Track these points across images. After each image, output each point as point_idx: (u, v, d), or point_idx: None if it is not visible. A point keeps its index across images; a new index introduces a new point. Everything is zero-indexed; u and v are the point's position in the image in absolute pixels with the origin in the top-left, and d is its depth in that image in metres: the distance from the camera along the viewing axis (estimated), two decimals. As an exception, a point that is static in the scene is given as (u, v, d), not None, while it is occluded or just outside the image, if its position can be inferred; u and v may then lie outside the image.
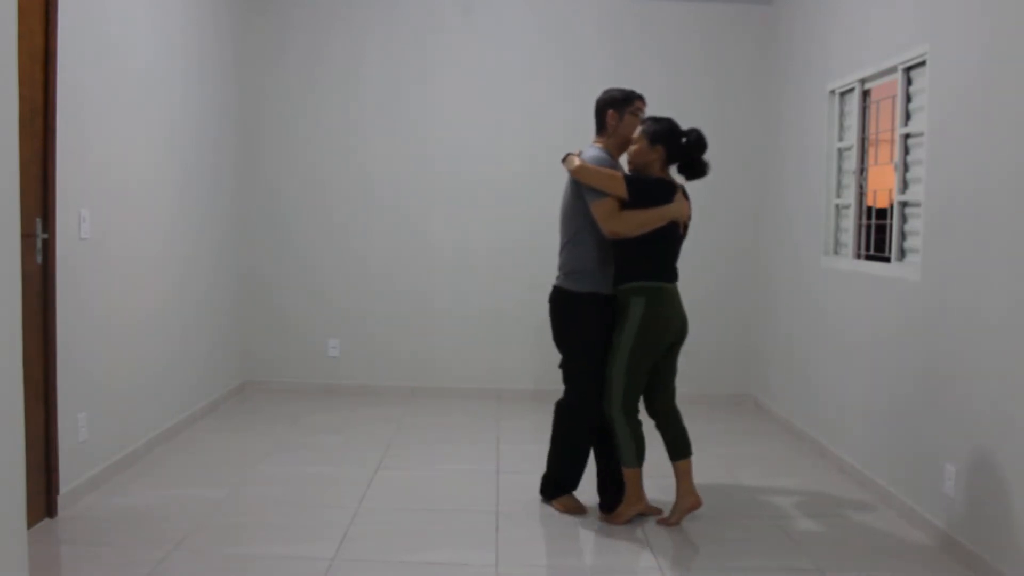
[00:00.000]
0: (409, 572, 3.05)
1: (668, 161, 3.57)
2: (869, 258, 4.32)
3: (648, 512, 3.60)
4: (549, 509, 3.71)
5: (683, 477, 3.57)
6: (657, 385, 3.63)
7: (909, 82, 3.88)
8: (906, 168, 3.90)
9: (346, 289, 5.86)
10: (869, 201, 4.40)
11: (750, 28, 5.78)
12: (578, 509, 3.67)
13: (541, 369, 5.51)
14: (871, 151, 4.39)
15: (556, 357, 3.75)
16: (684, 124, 5.78)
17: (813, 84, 4.95)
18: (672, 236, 3.53)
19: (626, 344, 3.49)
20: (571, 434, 3.70)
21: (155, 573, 2.95)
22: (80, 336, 3.61)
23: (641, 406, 3.64)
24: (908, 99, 3.89)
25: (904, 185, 3.91)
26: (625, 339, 3.49)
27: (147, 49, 4.27)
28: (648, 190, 3.48)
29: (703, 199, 5.74)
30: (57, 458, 3.43)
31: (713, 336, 5.89)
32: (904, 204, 3.91)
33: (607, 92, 3.74)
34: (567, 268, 3.64)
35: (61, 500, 3.45)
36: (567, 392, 3.71)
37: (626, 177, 3.49)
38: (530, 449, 4.30)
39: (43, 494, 3.35)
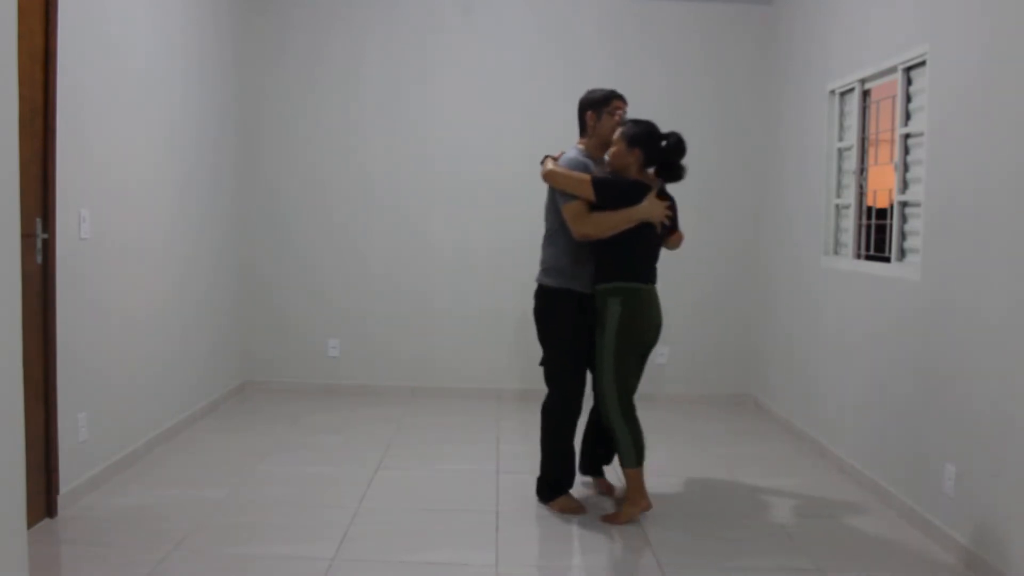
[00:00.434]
0: (409, 572, 3.05)
1: (646, 164, 3.58)
2: (869, 258, 4.32)
3: (648, 509, 3.60)
4: (549, 509, 3.71)
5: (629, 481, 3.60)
6: None
7: (909, 82, 3.88)
8: (906, 168, 3.90)
9: (346, 289, 5.87)
10: (869, 201, 4.40)
11: (750, 28, 5.78)
12: (577, 509, 3.67)
13: (541, 369, 5.50)
14: (871, 151, 4.39)
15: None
16: (684, 124, 5.80)
17: (813, 84, 4.95)
18: (647, 237, 3.54)
19: (609, 347, 3.51)
20: (557, 434, 3.71)
21: (155, 573, 2.95)
22: (80, 336, 3.61)
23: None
24: (908, 99, 3.89)
25: (904, 185, 3.91)
26: (607, 342, 3.52)
27: (147, 49, 4.27)
28: (618, 192, 3.50)
29: (703, 199, 5.76)
30: (57, 458, 3.43)
31: (713, 336, 5.90)
32: (904, 204, 3.91)
33: (589, 92, 3.80)
34: (544, 265, 3.73)
35: (61, 500, 3.45)
36: (549, 392, 3.76)
37: (594, 180, 3.50)
38: (530, 449, 4.30)
39: (43, 494, 3.35)
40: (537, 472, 3.83)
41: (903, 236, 3.93)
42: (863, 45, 4.28)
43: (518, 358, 5.73)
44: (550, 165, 3.63)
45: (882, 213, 4.21)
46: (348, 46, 5.77)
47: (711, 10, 5.76)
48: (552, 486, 3.73)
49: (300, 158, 5.83)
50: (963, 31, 3.35)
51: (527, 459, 4.25)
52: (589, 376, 3.76)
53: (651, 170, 3.65)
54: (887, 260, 4.05)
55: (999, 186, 3.08)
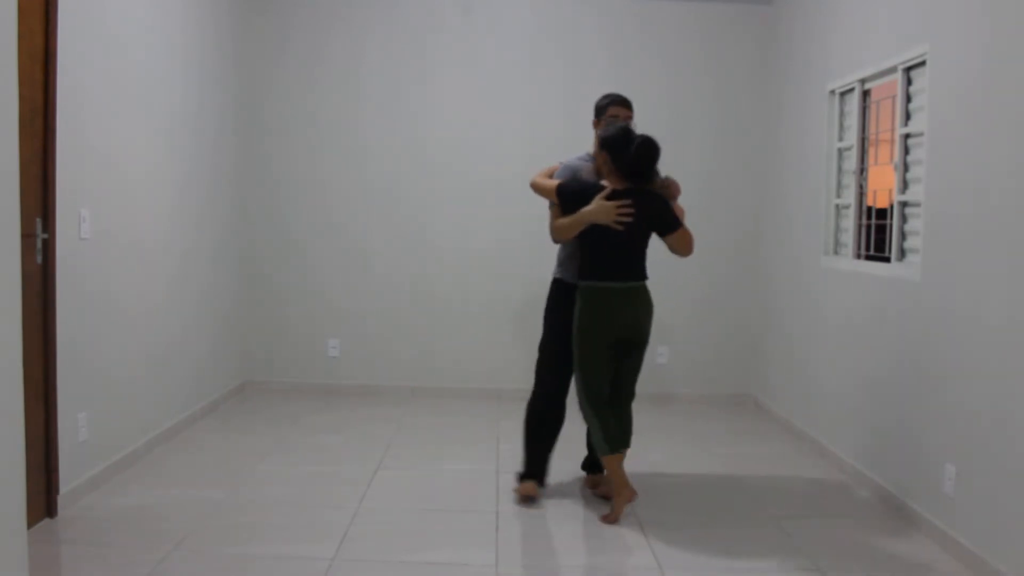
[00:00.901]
0: (409, 572, 3.05)
1: (615, 167, 3.59)
2: (869, 258, 4.32)
3: (633, 498, 3.64)
4: (549, 509, 3.72)
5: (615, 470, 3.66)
6: (612, 383, 3.72)
7: (909, 82, 3.88)
8: (906, 168, 3.90)
9: (346, 289, 5.87)
10: (869, 201, 4.39)
11: (750, 28, 5.78)
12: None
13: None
14: (871, 151, 4.39)
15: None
16: (684, 124, 5.85)
17: (813, 84, 4.95)
18: (605, 238, 3.57)
19: (574, 340, 3.69)
20: (528, 427, 3.89)
21: (155, 573, 2.95)
22: (80, 336, 3.61)
23: None
24: (908, 99, 3.89)
25: (904, 185, 3.91)
26: (573, 335, 3.70)
27: (147, 49, 4.27)
28: (572, 196, 3.63)
29: (703, 199, 5.76)
30: (57, 458, 3.43)
31: (713, 336, 5.90)
32: (904, 204, 3.90)
33: (599, 98, 3.91)
34: (558, 259, 3.92)
35: (61, 500, 3.45)
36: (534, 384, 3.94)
37: (558, 186, 3.67)
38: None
39: (43, 494, 3.35)
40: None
41: (903, 236, 3.93)
42: (863, 45, 4.28)
43: (518, 358, 5.72)
44: (534, 176, 3.82)
45: (882, 213, 4.21)
46: (348, 46, 5.77)
47: (711, 10, 5.76)
48: (523, 472, 3.88)
49: (300, 158, 5.83)
50: (963, 31, 3.35)
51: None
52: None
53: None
54: (887, 260, 4.05)
55: (999, 186, 3.08)
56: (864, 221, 4.42)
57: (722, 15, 5.77)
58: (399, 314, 5.87)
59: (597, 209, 3.53)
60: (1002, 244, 3.04)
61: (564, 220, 3.61)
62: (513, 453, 4.50)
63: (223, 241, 5.43)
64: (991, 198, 3.12)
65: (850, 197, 4.53)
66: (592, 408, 3.65)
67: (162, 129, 4.47)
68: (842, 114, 4.67)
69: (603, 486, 3.90)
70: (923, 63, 3.70)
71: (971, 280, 3.23)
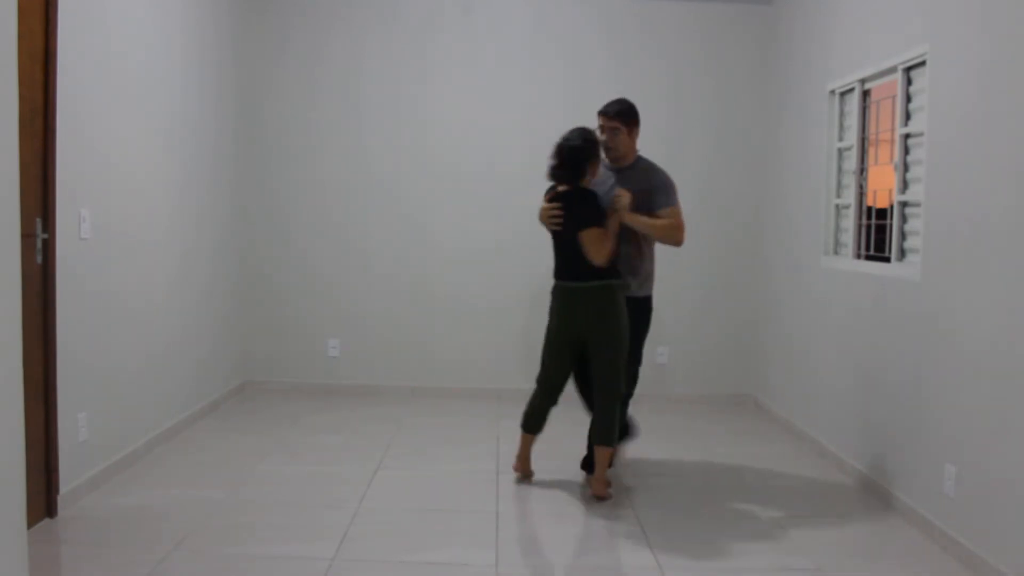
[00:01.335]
0: (409, 572, 3.05)
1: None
2: (869, 258, 4.32)
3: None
4: (548, 509, 3.73)
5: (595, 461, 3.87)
6: (590, 382, 3.92)
7: (909, 82, 3.88)
8: (906, 168, 3.90)
9: (346, 289, 5.87)
10: (869, 201, 4.39)
11: (750, 28, 5.77)
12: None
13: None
14: (871, 151, 4.39)
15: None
16: (684, 124, 5.85)
17: (813, 84, 4.95)
18: (553, 239, 3.89)
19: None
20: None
21: (155, 573, 2.95)
22: (80, 336, 3.61)
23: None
24: (908, 99, 3.89)
25: (904, 185, 3.91)
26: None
27: (147, 49, 4.27)
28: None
29: (703, 199, 5.77)
30: (57, 458, 3.43)
31: (713, 336, 5.90)
32: (904, 204, 3.90)
33: None
34: None
35: (61, 500, 3.45)
36: None
37: None
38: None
39: (43, 494, 3.35)
40: (542, 470, 3.98)
41: (903, 236, 3.93)
42: (863, 45, 4.28)
43: (518, 358, 5.73)
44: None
45: (882, 213, 4.21)
46: (348, 46, 5.77)
47: (711, 10, 5.76)
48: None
49: (300, 158, 5.83)
50: (963, 31, 3.35)
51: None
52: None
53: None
54: (887, 260, 4.05)
55: (999, 186, 3.08)
56: (864, 221, 4.42)
57: (722, 15, 5.77)
58: (399, 314, 5.87)
59: (540, 211, 3.88)
60: (1002, 244, 3.04)
61: None
62: (513, 453, 4.50)
63: (223, 241, 5.43)
64: (991, 198, 3.12)
65: (850, 197, 4.53)
66: (537, 385, 4.00)
67: (162, 129, 4.47)
68: (842, 114, 4.67)
69: (591, 487, 3.89)
70: (923, 63, 3.70)
71: (971, 280, 3.23)
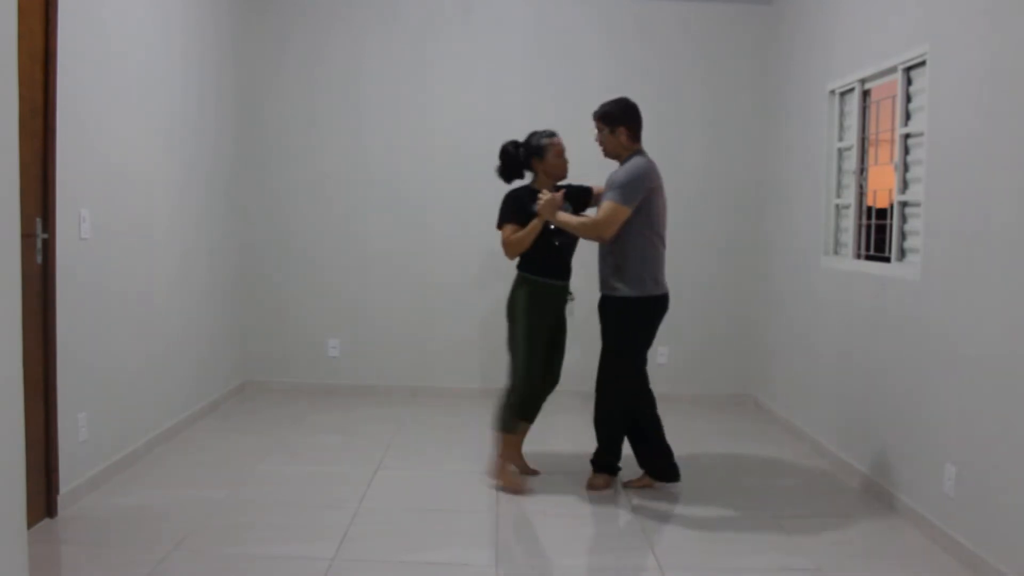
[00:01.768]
0: (409, 572, 3.05)
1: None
2: (869, 258, 4.32)
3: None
4: (549, 509, 3.72)
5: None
6: None
7: (909, 82, 3.88)
8: (906, 168, 3.90)
9: (346, 289, 5.87)
10: (869, 201, 4.39)
11: (750, 28, 5.77)
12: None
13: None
14: (871, 151, 4.39)
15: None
16: (684, 124, 5.85)
17: (813, 84, 4.95)
18: None
19: None
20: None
21: (155, 573, 2.95)
22: (80, 336, 3.61)
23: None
24: (908, 99, 3.89)
25: (904, 185, 3.91)
26: None
27: (147, 49, 4.27)
28: None
29: (703, 199, 5.77)
30: (57, 458, 3.43)
31: (713, 336, 5.90)
32: (904, 204, 3.90)
33: None
34: None
35: (61, 500, 3.45)
36: None
37: None
38: (529, 449, 4.30)
39: (43, 494, 3.35)
40: (541, 470, 4.00)
41: (903, 236, 3.93)
42: (863, 45, 4.28)
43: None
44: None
45: (882, 213, 4.21)
46: (348, 46, 5.77)
47: (711, 10, 5.76)
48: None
49: (300, 158, 5.83)
50: (963, 31, 3.35)
51: (527, 459, 4.24)
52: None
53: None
54: (887, 260, 4.05)
55: (999, 186, 3.08)
56: (864, 221, 4.42)
57: (722, 15, 5.77)
58: (399, 314, 5.87)
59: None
60: (1002, 244, 3.04)
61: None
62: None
63: (223, 241, 5.43)
64: (991, 198, 3.12)
65: (850, 197, 4.53)
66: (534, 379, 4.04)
67: (162, 129, 4.47)
68: (842, 114, 4.67)
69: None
70: (923, 63, 3.70)
71: (971, 280, 3.23)
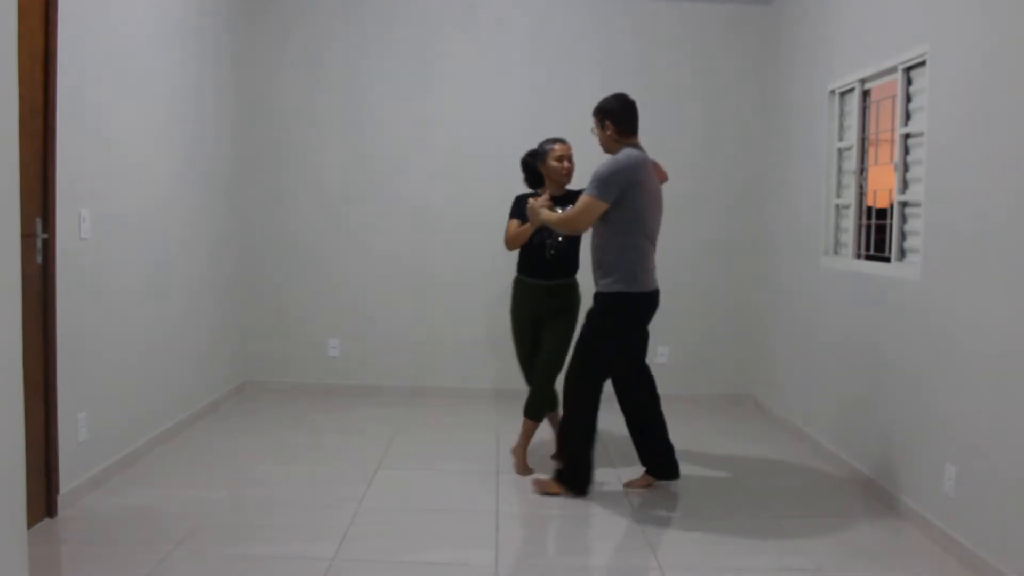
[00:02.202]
0: (409, 572, 3.05)
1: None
2: (869, 258, 4.32)
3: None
4: (549, 509, 3.72)
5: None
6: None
7: (909, 82, 3.88)
8: (906, 168, 3.90)
9: (346, 289, 5.86)
10: (869, 201, 4.39)
11: (750, 28, 5.77)
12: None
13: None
14: (871, 151, 4.39)
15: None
16: (684, 124, 5.85)
17: (813, 84, 4.95)
18: None
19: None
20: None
21: (155, 573, 2.95)
22: (80, 336, 3.61)
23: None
24: (908, 99, 3.89)
25: (904, 185, 3.91)
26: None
27: (147, 49, 4.27)
28: None
29: (702, 199, 5.77)
30: (57, 458, 3.43)
31: (713, 336, 5.90)
32: (904, 204, 3.90)
33: None
34: None
35: (61, 500, 3.45)
36: None
37: None
38: (529, 449, 4.30)
39: (43, 494, 3.35)
40: (542, 469, 4.00)
41: (903, 236, 3.93)
42: (863, 45, 4.28)
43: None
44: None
45: (882, 213, 4.21)
46: (348, 46, 5.77)
47: (711, 10, 5.76)
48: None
49: (300, 159, 5.83)
50: (963, 31, 3.35)
51: (527, 459, 4.24)
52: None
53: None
54: (887, 260, 4.05)
55: (999, 186, 3.08)
56: (864, 221, 4.42)
57: (722, 15, 5.77)
58: (399, 314, 5.87)
59: None
60: (1002, 244, 3.04)
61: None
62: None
63: (223, 241, 5.43)
64: (991, 198, 3.12)
65: (850, 197, 4.53)
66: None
67: (162, 129, 4.47)
68: (842, 114, 4.67)
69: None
70: (923, 63, 3.70)
71: (971, 280, 3.23)
